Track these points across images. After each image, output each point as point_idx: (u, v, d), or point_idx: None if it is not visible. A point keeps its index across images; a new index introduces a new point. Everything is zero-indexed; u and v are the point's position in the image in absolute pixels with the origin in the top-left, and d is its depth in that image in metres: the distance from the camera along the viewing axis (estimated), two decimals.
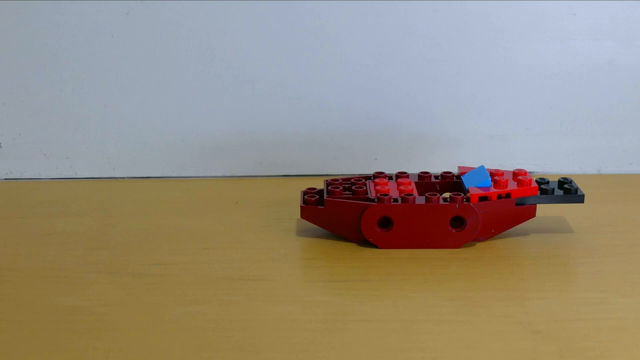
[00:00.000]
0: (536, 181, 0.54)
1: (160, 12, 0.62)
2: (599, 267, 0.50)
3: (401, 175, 0.56)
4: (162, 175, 0.66)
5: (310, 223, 0.55)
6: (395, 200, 0.52)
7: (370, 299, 0.46)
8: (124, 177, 0.66)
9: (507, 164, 0.65)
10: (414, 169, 0.64)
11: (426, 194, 0.52)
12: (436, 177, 0.56)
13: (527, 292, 0.47)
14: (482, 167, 0.54)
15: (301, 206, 0.54)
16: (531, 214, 0.53)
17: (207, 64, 0.63)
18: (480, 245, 0.53)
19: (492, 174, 0.54)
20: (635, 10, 0.62)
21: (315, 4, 0.62)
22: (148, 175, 0.66)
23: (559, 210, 0.58)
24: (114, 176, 0.66)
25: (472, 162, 0.64)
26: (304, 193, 0.55)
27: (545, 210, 0.57)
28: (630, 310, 0.45)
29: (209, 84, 0.64)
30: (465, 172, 0.55)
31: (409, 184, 0.54)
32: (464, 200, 0.52)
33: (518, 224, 0.53)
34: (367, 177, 0.56)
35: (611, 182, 0.64)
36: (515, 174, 0.54)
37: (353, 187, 0.53)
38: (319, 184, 0.63)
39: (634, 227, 0.56)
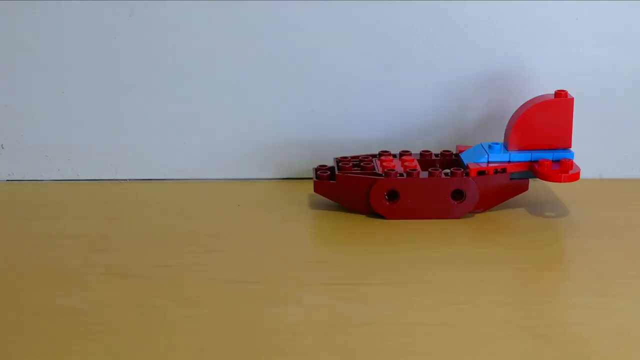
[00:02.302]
0: None
1: (163, 14, 0.62)
2: (601, 272, 0.50)
3: (404, 153, 0.61)
4: (163, 178, 0.66)
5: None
6: (402, 175, 0.57)
7: (372, 302, 0.46)
8: (125, 179, 0.66)
9: None
10: None
11: (429, 169, 0.57)
12: (436, 155, 0.61)
13: (529, 297, 0.47)
14: (478, 145, 0.58)
15: (314, 181, 0.58)
16: (524, 187, 0.58)
17: (209, 66, 0.63)
18: (481, 248, 0.53)
19: None
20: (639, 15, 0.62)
21: (315, 5, 0.62)
22: (150, 178, 0.66)
23: (561, 214, 0.58)
24: (115, 178, 0.66)
25: None
26: (316, 170, 0.59)
27: (547, 213, 0.57)
28: (632, 315, 0.45)
29: (211, 86, 0.64)
30: (463, 150, 0.60)
31: (412, 160, 0.59)
32: (464, 174, 0.56)
33: (513, 196, 0.58)
34: (373, 156, 0.61)
35: (613, 186, 0.64)
36: None
37: (361, 164, 0.59)
38: None
39: (635, 231, 0.56)
